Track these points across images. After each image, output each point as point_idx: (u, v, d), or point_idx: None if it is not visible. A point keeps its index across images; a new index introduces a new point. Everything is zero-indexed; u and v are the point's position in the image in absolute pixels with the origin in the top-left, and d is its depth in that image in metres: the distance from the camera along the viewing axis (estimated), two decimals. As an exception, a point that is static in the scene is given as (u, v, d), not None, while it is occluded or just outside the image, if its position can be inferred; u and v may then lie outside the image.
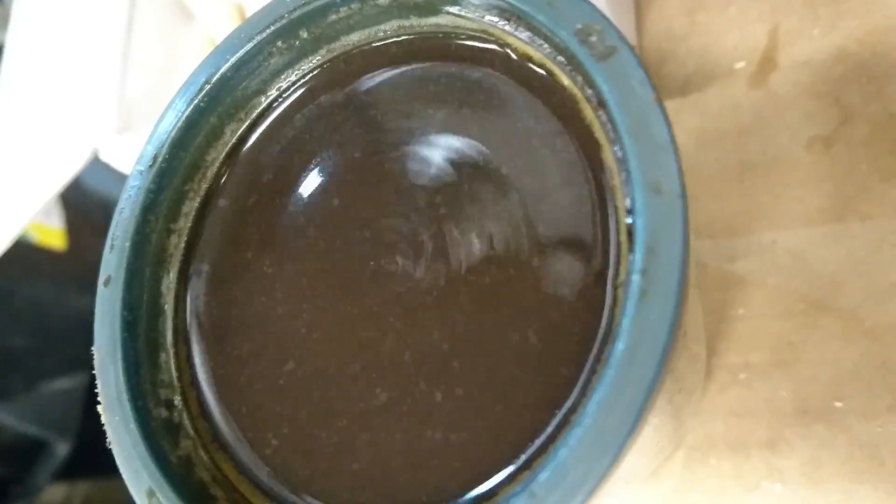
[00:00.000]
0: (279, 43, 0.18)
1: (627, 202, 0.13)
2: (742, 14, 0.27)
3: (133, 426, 0.15)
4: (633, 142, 0.12)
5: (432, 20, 0.17)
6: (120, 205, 0.17)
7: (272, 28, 0.17)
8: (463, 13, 0.16)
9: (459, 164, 0.16)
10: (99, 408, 0.16)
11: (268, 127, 0.19)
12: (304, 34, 0.18)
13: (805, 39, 0.26)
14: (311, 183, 0.18)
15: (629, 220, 0.13)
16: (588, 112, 0.15)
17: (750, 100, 0.26)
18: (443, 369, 0.15)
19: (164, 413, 0.16)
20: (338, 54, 0.18)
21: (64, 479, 0.60)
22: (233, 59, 0.18)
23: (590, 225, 0.14)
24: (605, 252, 0.14)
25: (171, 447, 0.16)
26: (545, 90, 0.15)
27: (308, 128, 0.18)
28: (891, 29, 0.25)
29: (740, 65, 0.27)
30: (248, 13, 0.38)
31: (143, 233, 0.17)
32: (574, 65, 0.14)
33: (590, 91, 0.14)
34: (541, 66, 0.16)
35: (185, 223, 0.18)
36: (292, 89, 0.19)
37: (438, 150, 0.16)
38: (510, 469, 0.13)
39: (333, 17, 0.18)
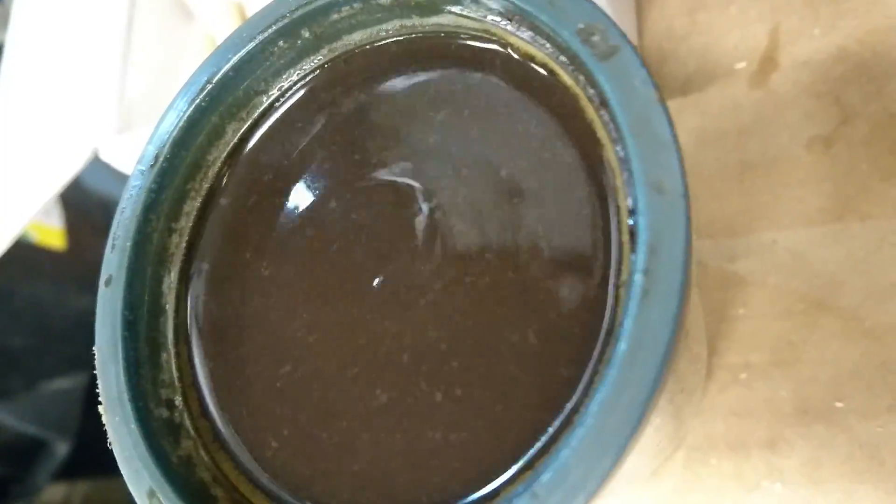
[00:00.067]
0: (281, 42, 0.18)
1: (629, 202, 0.13)
2: (743, 14, 0.27)
3: (134, 426, 0.15)
4: (636, 141, 0.12)
5: (434, 20, 0.17)
6: (121, 204, 0.17)
7: (274, 27, 0.17)
8: (465, 13, 0.16)
9: (459, 165, 0.16)
10: (99, 407, 0.16)
11: (269, 127, 0.19)
12: (306, 34, 0.18)
13: (805, 39, 0.26)
14: (310, 184, 0.18)
15: (631, 221, 0.13)
16: (590, 112, 0.15)
17: (750, 99, 0.26)
18: (442, 369, 0.14)
19: (164, 413, 0.16)
20: (339, 54, 0.18)
21: (64, 479, 0.60)
22: (234, 59, 0.18)
23: (592, 225, 0.14)
24: (607, 252, 0.14)
25: (171, 447, 0.16)
26: (547, 90, 0.15)
27: (309, 128, 0.18)
28: (891, 29, 0.25)
29: (741, 64, 0.27)
30: (249, 12, 0.38)
31: (145, 232, 0.17)
32: (576, 64, 0.14)
33: (592, 91, 0.14)
34: (543, 65, 0.16)
35: (186, 223, 0.18)
36: (294, 89, 0.19)
37: (439, 152, 0.16)
38: (512, 469, 0.13)
39: (335, 16, 0.18)
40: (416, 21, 0.17)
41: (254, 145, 0.19)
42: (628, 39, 0.13)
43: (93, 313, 0.16)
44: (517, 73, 0.16)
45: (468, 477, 0.14)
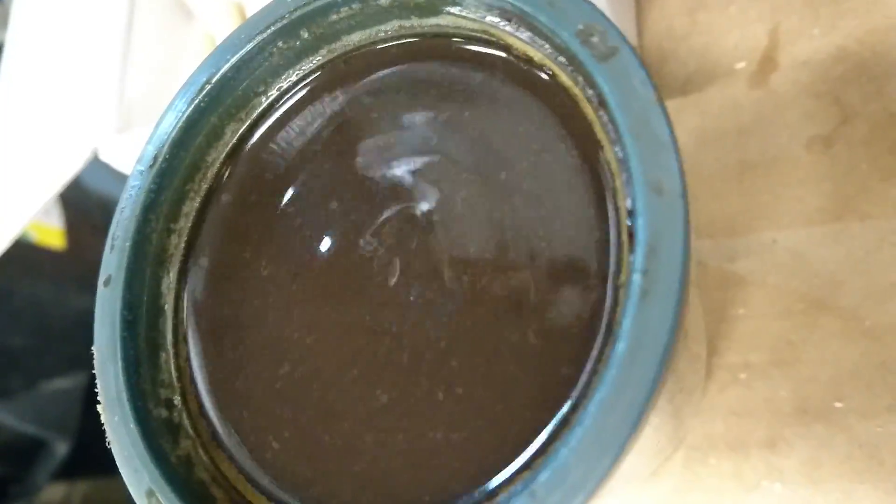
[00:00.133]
0: (280, 43, 0.18)
1: (628, 202, 0.13)
2: (742, 14, 0.27)
3: (133, 426, 0.15)
4: (634, 141, 0.12)
5: (433, 20, 0.17)
6: (120, 204, 0.17)
7: (273, 28, 0.17)
8: (464, 14, 0.16)
9: (459, 166, 0.16)
10: (99, 407, 0.16)
11: (268, 127, 0.19)
12: (305, 34, 0.18)
13: (805, 39, 0.26)
14: (310, 184, 0.18)
15: (630, 221, 0.13)
16: (589, 112, 0.15)
17: (750, 99, 0.26)
18: (442, 369, 0.15)
19: (163, 413, 0.16)
20: (339, 54, 0.18)
21: (63, 479, 0.60)
22: (233, 59, 0.18)
23: (591, 226, 0.14)
24: (606, 252, 0.14)
25: (170, 447, 0.16)
26: (546, 91, 0.15)
27: (308, 128, 0.18)
28: (891, 29, 0.25)
29: (741, 64, 0.27)
30: (249, 12, 0.38)
31: (144, 232, 0.17)
32: (575, 65, 0.14)
33: (591, 91, 0.14)
34: (541, 66, 0.16)
35: (185, 223, 0.18)
36: (293, 89, 0.19)
37: (439, 153, 0.16)
38: (511, 469, 0.13)
39: (334, 17, 0.18)
40: (415, 22, 0.17)
41: (253, 146, 0.19)
42: (627, 40, 0.13)
43: (92, 313, 0.16)
44: (516, 73, 0.16)
45: (468, 476, 0.14)
